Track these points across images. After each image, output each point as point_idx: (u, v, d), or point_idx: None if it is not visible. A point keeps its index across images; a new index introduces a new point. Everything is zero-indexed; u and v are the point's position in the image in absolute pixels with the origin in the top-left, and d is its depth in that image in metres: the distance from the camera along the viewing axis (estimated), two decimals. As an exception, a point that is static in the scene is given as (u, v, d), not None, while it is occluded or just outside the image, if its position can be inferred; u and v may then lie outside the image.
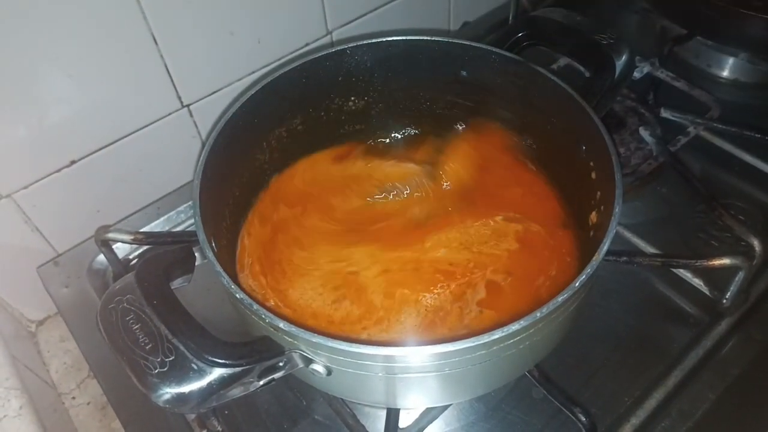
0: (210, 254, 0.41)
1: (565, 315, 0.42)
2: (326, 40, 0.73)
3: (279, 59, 0.69)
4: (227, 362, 0.36)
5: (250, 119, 0.53)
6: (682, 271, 0.59)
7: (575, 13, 0.59)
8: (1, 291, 0.64)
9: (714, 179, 0.69)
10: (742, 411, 0.51)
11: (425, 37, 0.57)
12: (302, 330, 0.36)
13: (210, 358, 0.36)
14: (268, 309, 0.38)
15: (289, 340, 0.38)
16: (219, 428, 0.50)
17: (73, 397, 0.62)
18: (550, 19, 0.60)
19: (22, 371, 0.57)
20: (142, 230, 0.64)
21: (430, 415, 0.51)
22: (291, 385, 0.55)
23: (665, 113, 0.73)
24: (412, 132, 0.65)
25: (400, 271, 0.53)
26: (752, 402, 0.52)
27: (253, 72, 0.68)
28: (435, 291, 0.51)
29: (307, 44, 0.71)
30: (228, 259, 0.53)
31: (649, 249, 0.61)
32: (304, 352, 0.39)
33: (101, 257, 0.62)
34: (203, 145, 0.66)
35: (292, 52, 0.70)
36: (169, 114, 0.64)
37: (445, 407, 0.52)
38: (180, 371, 0.36)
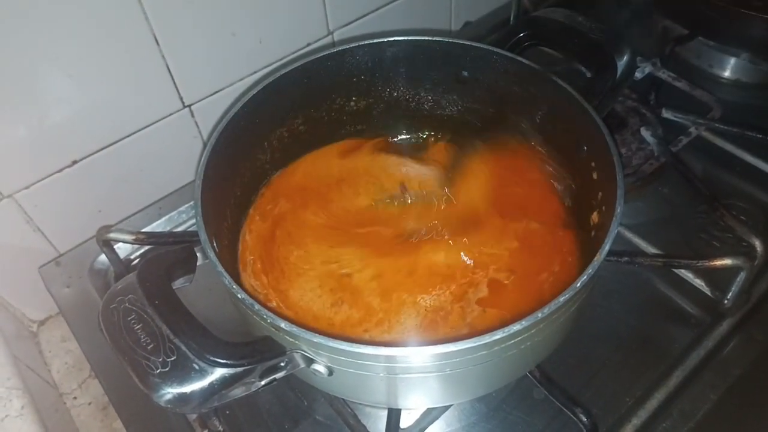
0: (211, 254, 0.41)
1: (566, 315, 0.42)
2: (328, 40, 0.73)
3: (280, 59, 0.69)
4: (229, 362, 0.36)
5: (251, 119, 0.53)
6: (683, 271, 0.59)
7: (577, 14, 0.59)
8: (2, 291, 0.64)
9: (715, 179, 0.68)
10: (744, 411, 0.51)
11: (426, 38, 0.57)
12: (304, 330, 0.36)
13: (212, 358, 0.36)
14: (269, 309, 0.38)
15: (291, 340, 0.38)
16: (220, 428, 0.50)
17: (75, 397, 0.62)
18: (551, 19, 0.60)
19: (23, 371, 0.57)
20: (143, 230, 0.64)
21: (431, 415, 0.51)
22: (292, 385, 0.55)
23: (667, 113, 0.73)
24: (414, 132, 0.65)
25: (394, 276, 0.53)
26: (753, 402, 0.52)
27: (255, 72, 0.68)
28: (433, 293, 0.51)
29: (308, 44, 0.71)
30: (229, 259, 0.53)
31: (651, 249, 0.61)
32: (305, 352, 0.39)
33: (103, 257, 0.62)
34: (205, 145, 0.66)
35: (293, 53, 0.70)
36: (171, 114, 0.64)
37: (447, 407, 0.52)
38: (182, 371, 0.36)
